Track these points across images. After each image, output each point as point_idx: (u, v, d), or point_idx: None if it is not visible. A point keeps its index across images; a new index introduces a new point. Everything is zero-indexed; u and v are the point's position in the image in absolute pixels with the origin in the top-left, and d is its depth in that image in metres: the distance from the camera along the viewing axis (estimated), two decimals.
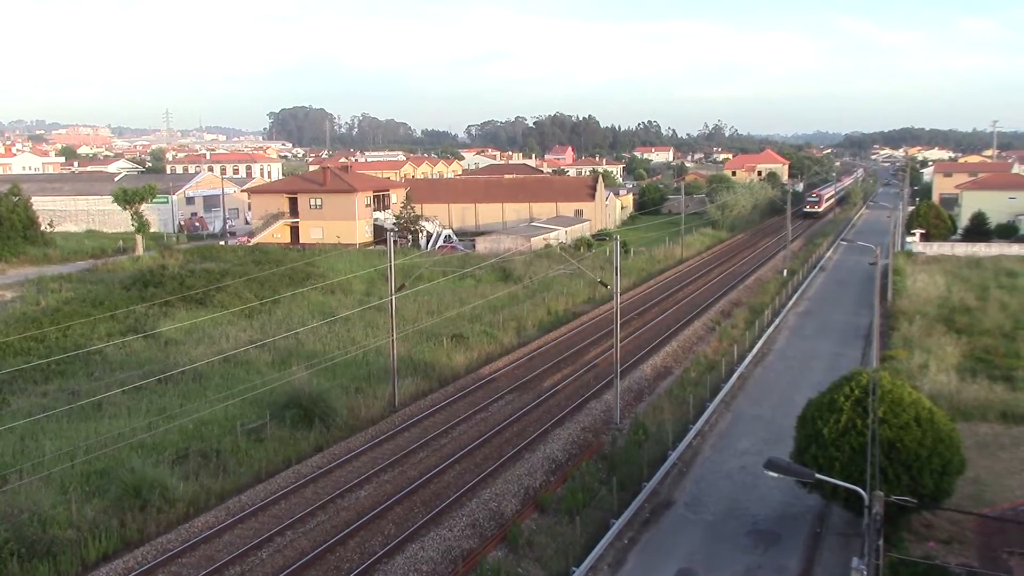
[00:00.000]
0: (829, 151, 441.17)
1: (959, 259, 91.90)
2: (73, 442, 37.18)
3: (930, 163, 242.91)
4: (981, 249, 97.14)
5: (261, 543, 30.07)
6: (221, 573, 28.21)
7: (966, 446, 30.43)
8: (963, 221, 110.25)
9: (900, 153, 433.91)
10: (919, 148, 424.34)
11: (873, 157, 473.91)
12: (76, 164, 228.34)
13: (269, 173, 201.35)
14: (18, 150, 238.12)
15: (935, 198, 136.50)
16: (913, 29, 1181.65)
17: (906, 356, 50.90)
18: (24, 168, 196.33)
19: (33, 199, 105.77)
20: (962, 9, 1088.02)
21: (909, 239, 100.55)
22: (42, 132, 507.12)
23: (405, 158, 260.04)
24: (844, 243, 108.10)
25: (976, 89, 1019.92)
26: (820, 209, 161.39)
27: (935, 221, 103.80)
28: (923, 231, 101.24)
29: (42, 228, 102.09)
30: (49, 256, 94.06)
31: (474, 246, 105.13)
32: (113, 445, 36.46)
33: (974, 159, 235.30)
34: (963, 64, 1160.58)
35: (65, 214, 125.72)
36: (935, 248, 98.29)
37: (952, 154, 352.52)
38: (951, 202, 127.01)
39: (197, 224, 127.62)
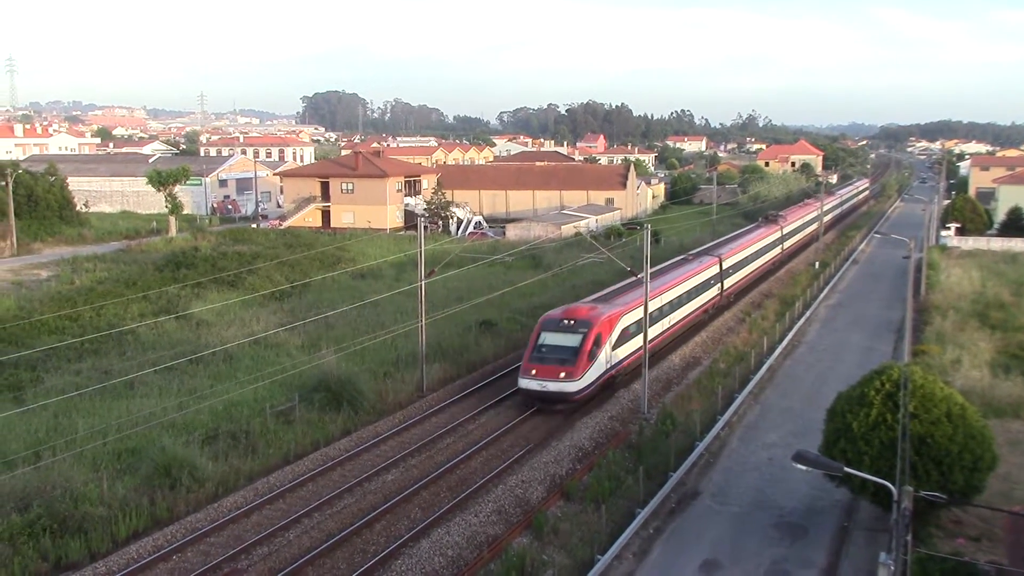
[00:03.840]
0: (864, 143, 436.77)
1: (995, 254, 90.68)
2: (105, 420, 37.62)
3: (967, 156, 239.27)
4: (1017, 244, 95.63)
5: (288, 524, 30.32)
6: (249, 553, 28.48)
7: (998, 443, 30.08)
8: (1000, 216, 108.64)
9: (936, 146, 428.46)
10: (956, 141, 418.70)
11: (909, 149, 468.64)
12: (111, 145, 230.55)
13: (301, 157, 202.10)
14: (55, 130, 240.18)
15: (971, 192, 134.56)
16: (951, 20, 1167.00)
17: (938, 351, 50.37)
18: (60, 148, 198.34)
19: (69, 179, 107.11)
20: (1001, 0, 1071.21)
21: (944, 233, 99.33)
22: (78, 113, 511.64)
23: (437, 144, 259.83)
24: (878, 236, 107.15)
25: (1016, 82, 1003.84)
26: (577, 387, 41.39)
27: (971, 215, 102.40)
28: (958, 225, 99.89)
29: (77, 208, 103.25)
30: (84, 236, 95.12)
31: (504, 233, 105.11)
32: (144, 424, 36.87)
33: (1012, 153, 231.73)
34: (1002, 56, 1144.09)
35: (100, 195, 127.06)
36: (970, 242, 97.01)
37: (990, 148, 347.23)
38: (988, 196, 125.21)
39: (230, 207, 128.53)
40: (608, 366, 43.71)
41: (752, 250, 73.61)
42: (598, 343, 42.52)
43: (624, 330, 45.60)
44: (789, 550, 29.80)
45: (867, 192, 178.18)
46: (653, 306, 47.75)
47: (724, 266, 64.07)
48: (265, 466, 34.95)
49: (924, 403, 27.76)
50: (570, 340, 42.29)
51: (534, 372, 41.58)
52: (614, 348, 44.43)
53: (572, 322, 43.22)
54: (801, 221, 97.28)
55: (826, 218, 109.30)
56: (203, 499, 31.91)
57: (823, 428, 30.64)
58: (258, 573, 27.41)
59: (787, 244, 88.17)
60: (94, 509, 29.60)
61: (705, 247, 69.78)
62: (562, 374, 41.00)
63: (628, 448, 38.45)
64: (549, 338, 43.07)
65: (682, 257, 63.57)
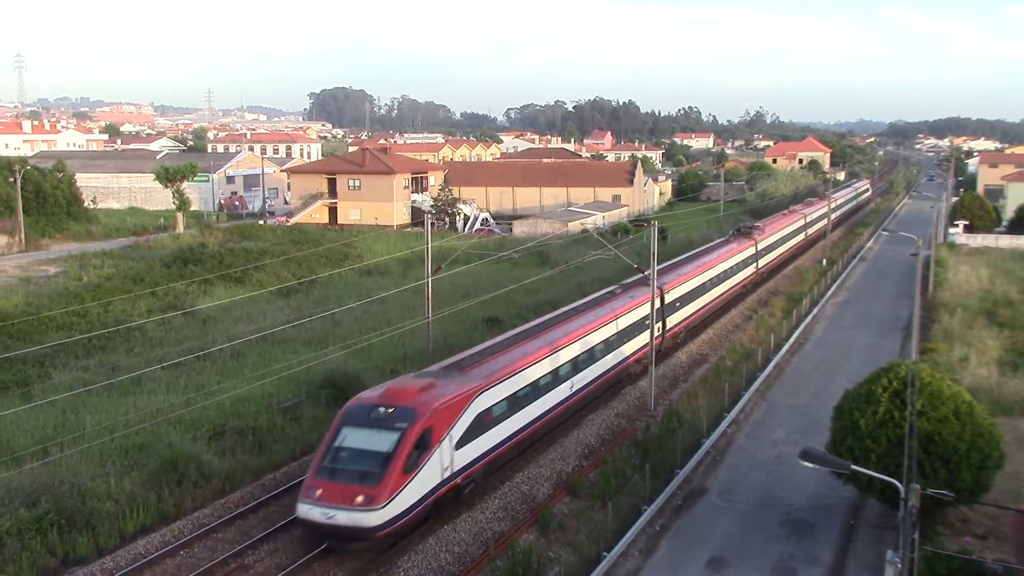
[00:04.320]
0: (872, 140, 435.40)
1: (1003, 251, 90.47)
2: (113, 416, 37.68)
3: (976, 153, 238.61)
4: None
5: (297, 519, 30.30)
6: (256, 548, 28.51)
7: (1005, 441, 30.03)
8: (1008, 213, 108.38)
9: (945, 143, 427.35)
10: (965, 138, 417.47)
11: (917, 146, 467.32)
12: (119, 142, 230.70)
13: (309, 154, 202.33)
14: (63, 127, 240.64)
15: (980, 189, 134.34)
16: (960, 16, 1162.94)
17: (946, 349, 50.28)
18: (68, 145, 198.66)
19: (77, 176, 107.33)
20: None
21: (952, 230, 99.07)
22: (87, 109, 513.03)
23: (444, 140, 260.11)
24: (885, 233, 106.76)
25: None
26: (381, 518, 27.03)
27: (979, 212, 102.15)
28: (967, 222, 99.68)
29: (85, 204, 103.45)
30: (91, 232, 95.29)
31: (511, 229, 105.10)
32: (151, 420, 36.90)
33: (1021, 150, 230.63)
34: (1012, 53, 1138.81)
35: (108, 191, 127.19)
36: (979, 240, 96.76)
37: (999, 144, 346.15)
38: (996, 193, 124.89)
39: (237, 203, 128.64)
40: (446, 475, 29.44)
41: (712, 274, 59.99)
42: (425, 444, 28.16)
43: (483, 415, 31.39)
44: (796, 547, 29.77)
45: (868, 194, 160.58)
46: (527, 379, 34.67)
47: (668, 299, 50.81)
48: (272, 462, 34.96)
49: (932, 401, 27.72)
50: (380, 441, 27.96)
51: (319, 493, 27.43)
52: (460, 446, 30.02)
53: (390, 411, 28.74)
54: (783, 233, 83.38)
55: (811, 230, 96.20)
56: (210, 495, 31.95)
57: (830, 426, 30.63)
58: (265, 568, 27.46)
59: (763, 262, 75.00)
60: (102, 504, 29.67)
61: (643, 276, 49.68)
62: (359, 497, 26.96)
63: (634, 445, 38.43)
64: (351, 437, 28.60)
65: (607, 291, 49.25)
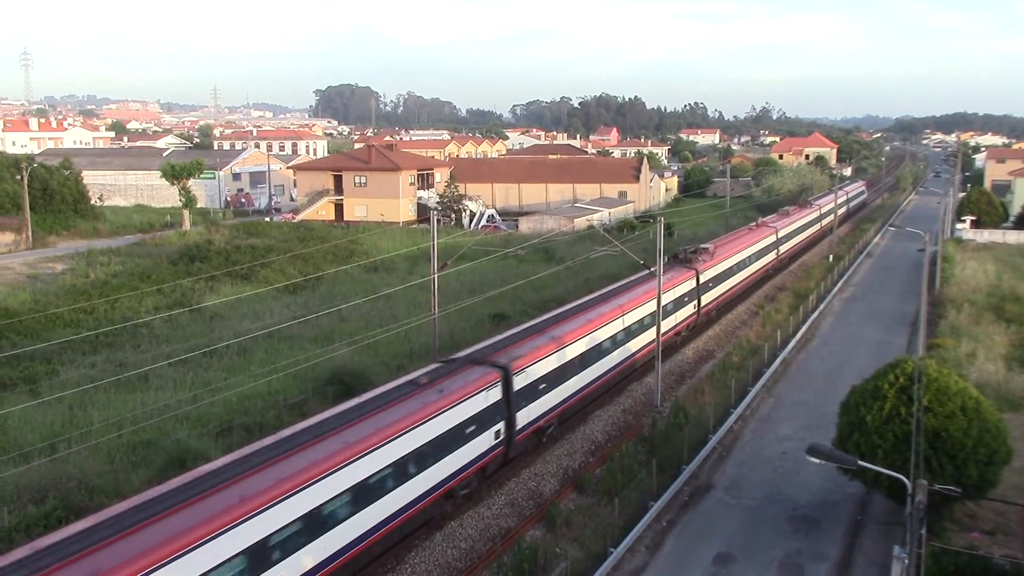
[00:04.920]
0: (879, 135, 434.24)
1: (1010, 247, 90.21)
2: (120, 413, 37.75)
3: (983, 149, 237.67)
4: None
5: None
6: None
7: (1013, 436, 29.96)
8: (1015, 208, 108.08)
9: (952, 138, 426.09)
10: (972, 133, 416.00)
11: (924, 142, 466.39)
12: (126, 139, 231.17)
13: (315, 150, 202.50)
14: (70, 124, 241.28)
15: (987, 184, 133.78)
16: (967, 11, 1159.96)
17: (953, 344, 50.17)
18: (75, 142, 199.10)
19: (83, 173, 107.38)
20: None
21: (959, 226, 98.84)
22: (93, 107, 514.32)
23: (450, 137, 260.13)
24: (892, 229, 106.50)
25: None
26: None
27: (986, 208, 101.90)
28: (974, 218, 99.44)
29: (92, 202, 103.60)
30: (98, 230, 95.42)
31: (517, 226, 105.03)
32: (159, 416, 36.97)
33: None
34: (1019, 48, 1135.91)
35: (114, 188, 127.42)
36: (986, 235, 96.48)
37: (1006, 140, 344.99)
38: (1003, 189, 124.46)
39: (243, 200, 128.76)
40: None
41: (612, 331, 41.88)
42: None
43: None
44: (803, 543, 29.76)
45: (863, 197, 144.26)
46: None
47: (518, 384, 33.57)
48: None
49: (938, 396, 27.67)
50: None
51: None
52: None
53: None
54: (742, 255, 65.47)
55: (785, 247, 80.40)
56: None
57: (837, 421, 30.60)
58: None
59: (709, 298, 57.64)
60: (109, 501, 29.69)
61: (488, 343, 36.84)
62: None
63: (641, 441, 38.43)
64: None
65: (409, 380, 30.91)
